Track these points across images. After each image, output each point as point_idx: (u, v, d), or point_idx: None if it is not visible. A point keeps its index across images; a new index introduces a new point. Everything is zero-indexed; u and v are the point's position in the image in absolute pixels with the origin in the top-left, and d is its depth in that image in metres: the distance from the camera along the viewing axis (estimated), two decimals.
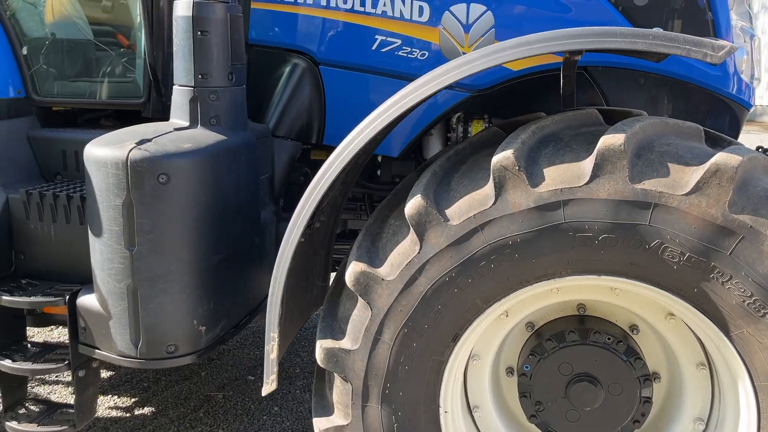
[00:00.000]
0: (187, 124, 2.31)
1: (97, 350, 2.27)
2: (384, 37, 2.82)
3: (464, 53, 2.74)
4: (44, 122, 2.70)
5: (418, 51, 2.79)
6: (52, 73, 2.69)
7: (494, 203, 1.81)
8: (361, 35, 2.84)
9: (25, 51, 2.58)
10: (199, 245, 2.19)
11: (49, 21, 2.69)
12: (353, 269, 1.95)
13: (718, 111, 2.71)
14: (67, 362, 2.32)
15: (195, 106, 2.30)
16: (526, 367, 2.15)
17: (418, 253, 1.88)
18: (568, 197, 1.77)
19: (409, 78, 2.82)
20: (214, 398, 3.72)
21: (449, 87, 2.65)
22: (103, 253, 2.14)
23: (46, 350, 2.42)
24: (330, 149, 3.09)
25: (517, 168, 1.78)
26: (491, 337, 2.22)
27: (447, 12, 2.73)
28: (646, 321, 2.16)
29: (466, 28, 2.73)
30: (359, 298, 1.96)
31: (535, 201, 1.78)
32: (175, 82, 2.36)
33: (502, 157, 1.79)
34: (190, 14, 2.24)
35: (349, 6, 2.84)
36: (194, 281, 2.20)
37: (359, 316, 1.98)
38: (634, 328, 2.19)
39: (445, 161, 2.03)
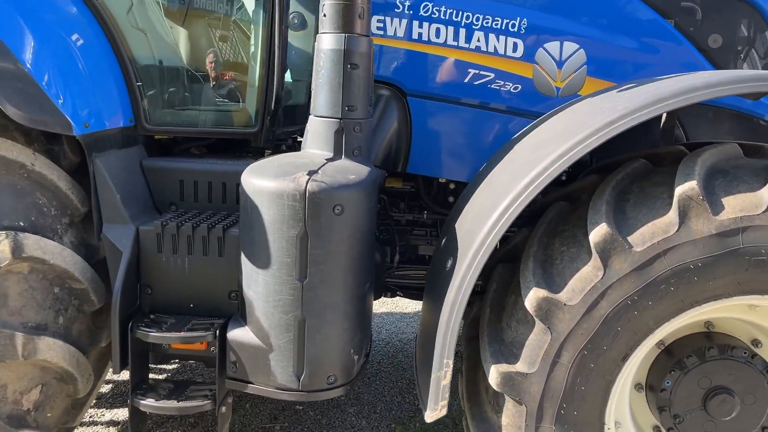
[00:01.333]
0: (330, 154, 2.33)
1: (250, 384, 2.22)
2: (477, 71, 2.94)
3: (557, 87, 2.92)
4: (147, 151, 2.63)
5: (511, 85, 2.93)
6: (162, 101, 2.62)
7: (678, 230, 1.96)
8: (453, 68, 2.96)
9: (137, 79, 2.50)
10: (360, 274, 2.21)
11: (160, 49, 2.62)
12: (534, 296, 2.03)
13: None
14: (211, 398, 2.25)
15: (340, 138, 2.32)
16: (667, 383, 2.30)
17: (602, 278, 2.00)
18: (747, 224, 1.94)
19: (501, 110, 2.99)
20: (270, 430, 3.64)
21: None
22: (269, 285, 2.11)
23: (181, 386, 2.34)
24: (408, 177, 3.19)
25: (701, 198, 1.94)
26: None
27: (541, 49, 2.89)
28: None
29: (559, 64, 2.90)
30: (538, 322, 2.05)
31: (716, 228, 1.94)
32: (313, 113, 2.38)
33: (687, 188, 1.94)
34: (342, 48, 2.27)
35: (441, 40, 2.95)
36: (354, 310, 2.21)
37: (537, 340, 2.06)
38: (756, 342, 2.40)
39: (612, 192, 2.15)
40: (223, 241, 2.32)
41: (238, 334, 2.22)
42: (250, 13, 2.67)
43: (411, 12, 2.91)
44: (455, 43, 2.93)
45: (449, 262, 2.22)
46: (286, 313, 2.11)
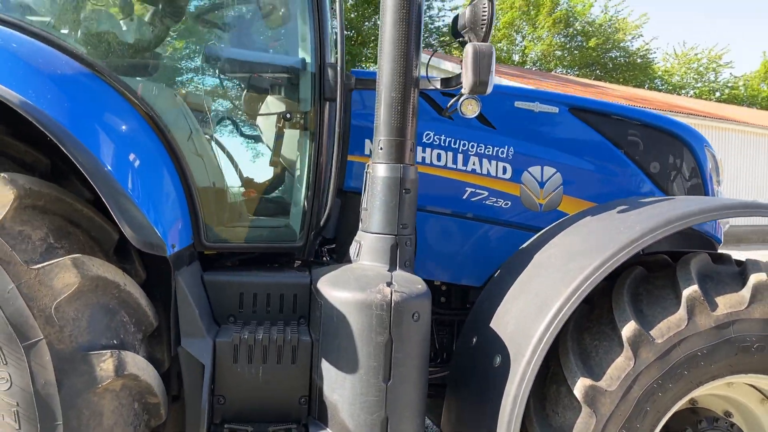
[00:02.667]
0: (387, 267, 2.65)
1: None
2: (473, 189, 3.43)
3: (540, 204, 3.47)
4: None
5: (502, 201, 3.44)
6: (217, 220, 2.81)
7: (687, 324, 2.47)
8: (452, 187, 3.42)
9: (197, 200, 2.70)
10: (425, 371, 2.50)
11: (214, 172, 2.85)
12: (582, 384, 2.43)
13: (710, 248, 3.73)
14: None
15: (395, 252, 2.66)
16: None
17: (633, 366, 2.45)
18: (735, 318, 2.50)
19: (493, 222, 3.47)
20: None
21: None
22: (356, 388, 2.35)
23: None
24: None
25: (702, 299, 2.48)
26: None
27: (526, 172, 3.45)
28: (742, 405, 2.93)
29: (541, 184, 3.46)
30: (585, 407, 2.44)
31: (714, 321, 2.48)
32: (366, 230, 2.70)
33: (691, 291, 2.48)
34: (398, 176, 2.66)
35: (442, 163, 3.42)
36: (424, 405, 2.49)
37: (584, 424, 2.45)
38: (728, 413, 2.94)
39: (627, 295, 2.64)
40: (297, 348, 2.52)
41: None
42: (296, 139, 2.98)
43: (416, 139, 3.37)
44: (454, 166, 3.41)
45: (497, 360, 2.57)
46: (371, 414, 2.34)
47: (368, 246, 2.70)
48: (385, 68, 2.68)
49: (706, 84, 48.11)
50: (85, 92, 2.40)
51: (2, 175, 2.09)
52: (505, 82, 13.55)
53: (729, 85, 49.32)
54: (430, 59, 3.03)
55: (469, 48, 2.54)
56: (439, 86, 2.88)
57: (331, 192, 2.86)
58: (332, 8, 2.99)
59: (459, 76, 2.72)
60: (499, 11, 38.66)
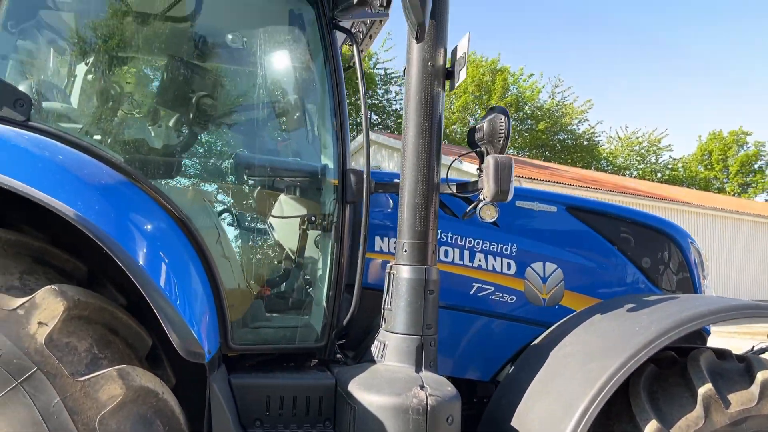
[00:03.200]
0: (413, 368, 2.70)
1: None
2: (480, 285, 3.55)
3: (544, 299, 3.60)
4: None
5: (507, 296, 3.56)
6: (243, 322, 2.84)
7: (704, 422, 2.58)
8: (460, 282, 3.53)
9: (226, 303, 2.73)
10: None
11: (239, 272, 2.89)
12: None
13: (701, 338, 3.90)
14: None
15: (421, 353, 2.73)
16: None
17: None
18: (747, 415, 2.63)
19: (499, 316, 3.58)
20: None
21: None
22: None
23: None
24: None
25: (717, 396, 2.61)
26: None
27: (529, 268, 3.59)
28: None
29: (543, 280, 3.60)
30: None
31: (729, 419, 2.61)
32: (391, 330, 2.77)
33: (707, 389, 2.61)
34: (423, 278, 2.76)
35: (450, 259, 3.54)
36: None
37: None
38: None
39: (644, 394, 2.75)
40: None
41: None
42: (318, 240, 3.06)
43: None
44: (461, 262, 3.53)
45: None
46: None
47: (394, 346, 2.76)
48: (408, 175, 2.83)
49: (648, 165, 50.55)
50: (125, 200, 2.46)
51: (52, 286, 2.11)
52: (467, 165, 13.97)
53: (669, 166, 51.97)
54: (450, 165, 3.19)
55: (490, 159, 2.72)
56: (455, 191, 3.04)
57: (356, 292, 2.94)
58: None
59: (476, 182, 2.89)
60: (453, 95, 40.20)
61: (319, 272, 3.03)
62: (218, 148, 3.21)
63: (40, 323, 2.08)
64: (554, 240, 3.67)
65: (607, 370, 2.58)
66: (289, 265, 3.12)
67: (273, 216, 3.16)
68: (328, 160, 3.09)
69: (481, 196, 2.85)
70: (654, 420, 2.56)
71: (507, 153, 2.81)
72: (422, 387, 2.48)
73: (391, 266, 2.88)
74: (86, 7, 3.01)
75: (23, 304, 2.07)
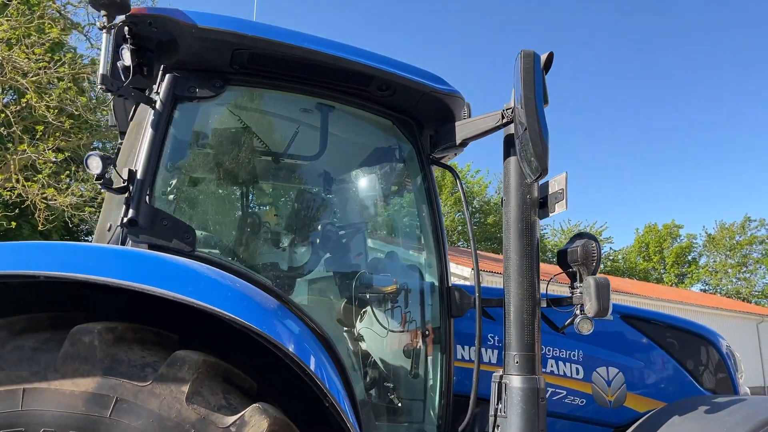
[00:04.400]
0: None
1: None
2: (554, 389, 3.87)
3: (609, 401, 3.95)
4: None
5: (578, 399, 3.89)
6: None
7: None
8: None
9: (360, 413, 2.96)
10: None
11: (365, 384, 3.13)
12: None
13: None
14: None
15: None
16: None
17: None
18: None
19: (574, 419, 3.88)
20: None
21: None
22: None
23: None
24: None
25: None
26: None
27: (594, 372, 3.95)
28: None
29: (608, 383, 3.96)
30: None
31: None
32: None
33: None
34: (536, 386, 3.07)
35: None
36: None
37: None
38: None
39: None
40: None
41: None
42: (429, 351, 3.35)
43: (499, 344, 3.82)
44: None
45: None
46: None
47: None
48: (514, 293, 3.20)
49: None
50: (293, 323, 2.73)
51: (257, 405, 2.33)
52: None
53: (611, 257, 54.13)
54: (549, 283, 3.58)
55: (591, 281, 3.12)
56: (554, 306, 3.42)
57: (472, 401, 3.21)
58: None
59: (571, 297, 3.27)
60: None
61: (431, 382, 3.31)
62: (339, 269, 3.51)
63: None
64: (614, 346, 4.06)
65: None
66: (403, 375, 3.38)
67: (391, 330, 3.44)
68: (433, 279, 3.44)
69: (578, 311, 3.23)
70: None
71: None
72: None
73: (501, 376, 3.19)
74: (224, 147, 3.36)
75: (234, 421, 2.28)
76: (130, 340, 2.35)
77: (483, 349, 3.70)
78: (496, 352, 3.73)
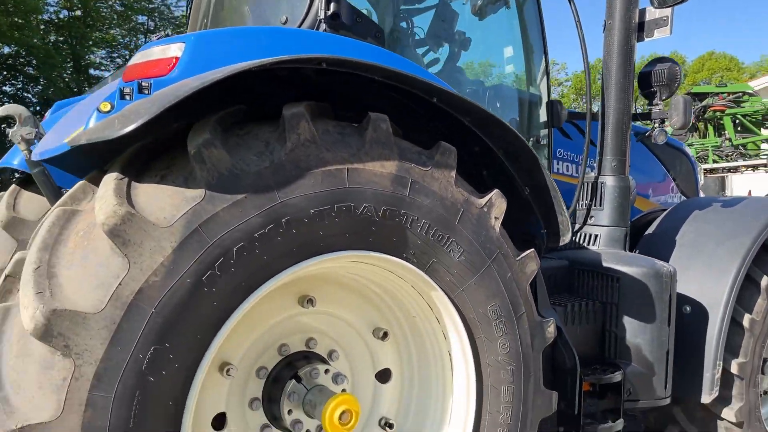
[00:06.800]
0: (623, 251, 3.73)
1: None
2: None
3: None
4: None
5: None
6: None
7: None
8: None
9: None
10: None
11: None
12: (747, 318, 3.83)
13: None
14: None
15: (626, 240, 3.77)
16: None
17: (765, 306, 3.91)
18: None
19: None
20: None
21: None
22: (653, 332, 3.41)
23: None
24: None
25: None
26: None
27: None
28: None
29: None
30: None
31: None
32: (602, 223, 3.73)
33: None
34: (627, 185, 3.75)
35: (570, 173, 4.54)
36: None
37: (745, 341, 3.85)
38: None
39: None
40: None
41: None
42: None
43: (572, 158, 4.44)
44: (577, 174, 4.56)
45: (687, 308, 3.83)
46: (662, 348, 3.43)
47: (607, 236, 3.75)
48: (614, 106, 3.75)
49: None
50: None
51: (496, 190, 2.71)
52: None
53: None
54: (636, 98, 4.13)
55: (680, 98, 3.75)
56: (639, 120, 4.02)
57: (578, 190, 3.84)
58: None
59: (654, 113, 3.90)
60: None
61: None
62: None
63: (495, 218, 2.70)
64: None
65: (744, 245, 3.85)
66: None
67: None
68: (539, 92, 3.86)
69: (656, 125, 3.88)
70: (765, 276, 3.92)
71: None
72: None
73: (596, 177, 3.81)
74: None
75: (486, 202, 2.67)
76: (396, 132, 2.55)
77: (559, 162, 4.30)
78: (569, 165, 4.34)
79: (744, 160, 21.43)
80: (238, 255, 2.06)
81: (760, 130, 16.75)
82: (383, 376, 2.91)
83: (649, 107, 3.97)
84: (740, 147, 22.36)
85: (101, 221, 1.89)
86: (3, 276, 2.11)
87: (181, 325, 1.96)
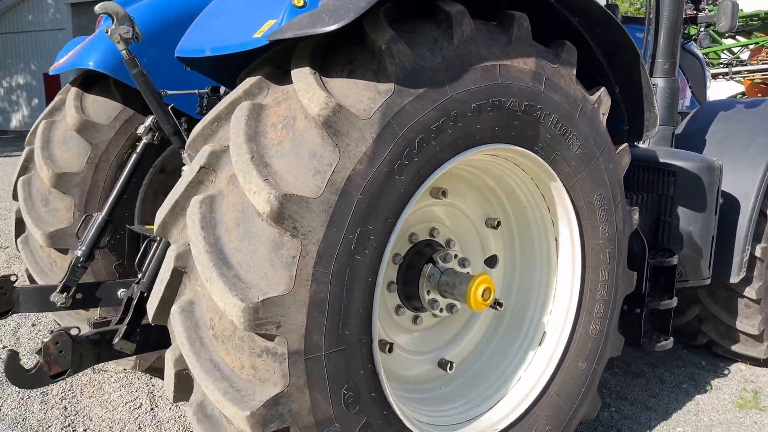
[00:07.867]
0: (670, 148, 4.05)
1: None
2: None
3: None
4: None
5: None
6: None
7: None
8: None
9: None
10: None
11: None
12: None
13: None
14: None
15: (673, 137, 4.06)
16: None
17: None
18: None
19: None
20: None
21: None
22: (704, 220, 3.79)
23: None
24: None
25: None
26: None
27: None
28: None
29: None
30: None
31: None
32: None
33: None
34: (676, 86, 4.02)
35: None
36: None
37: None
38: None
39: None
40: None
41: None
42: None
43: None
44: None
45: (721, 199, 4.23)
46: (709, 234, 3.82)
47: (657, 134, 4.03)
48: (667, 8, 3.95)
49: None
50: None
51: (603, 87, 2.92)
52: None
53: None
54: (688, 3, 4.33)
55: (728, 2, 3.98)
56: (689, 24, 4.24)
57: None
58: None
59: (701, 17, 4.13)
60: None
61: None
62: None
63: (603, 114, 2.92)
64: None
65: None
66: None
67: None
68: None
69: (701, 28, 4.13)
70: None
71: None
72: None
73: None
74: None
75: (596, 99, 2.87)
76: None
77: None
78: None
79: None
80: (419, 146, 2.22)
81: (722, 40, 17.29)
82: (491, 261, 3.18)
83: (695, 11, 4.20)
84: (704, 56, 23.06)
85: (315, 113, 2.01)
86: (198, 168, 2.21)
87: (378, 209, 2.14)
